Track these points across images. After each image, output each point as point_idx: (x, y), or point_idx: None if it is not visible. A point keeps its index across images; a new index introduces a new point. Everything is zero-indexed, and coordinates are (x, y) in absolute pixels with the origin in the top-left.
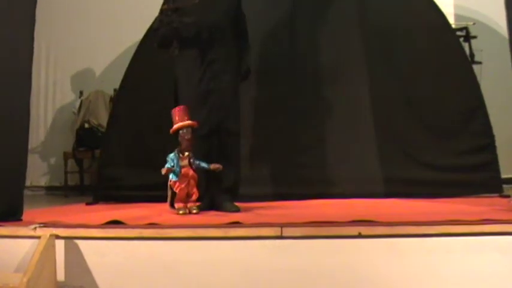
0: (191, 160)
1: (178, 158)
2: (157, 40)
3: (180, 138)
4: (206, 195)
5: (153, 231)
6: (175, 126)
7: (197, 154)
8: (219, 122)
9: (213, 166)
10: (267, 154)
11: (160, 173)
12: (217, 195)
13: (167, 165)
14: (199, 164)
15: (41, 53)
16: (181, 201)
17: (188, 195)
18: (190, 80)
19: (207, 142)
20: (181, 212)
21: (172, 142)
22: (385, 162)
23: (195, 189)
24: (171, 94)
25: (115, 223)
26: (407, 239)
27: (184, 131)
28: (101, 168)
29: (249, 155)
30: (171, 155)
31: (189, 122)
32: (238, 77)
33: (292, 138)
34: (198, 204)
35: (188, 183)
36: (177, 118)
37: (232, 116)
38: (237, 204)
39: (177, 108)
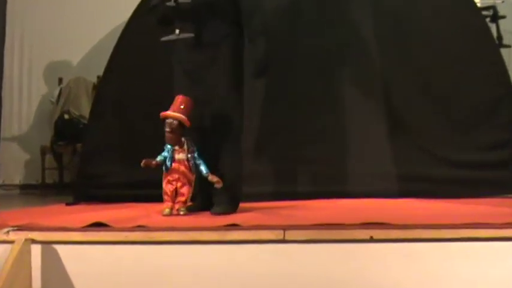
0: (190, 155)
1: (173, 151)
2: (157, 16)
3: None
4: (200, 195)
5: (141, 234)
6: (161, 114)
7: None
8: (209, 116)
9: (211, 177)
10: (267, 148)
11: (149, 167)
12: (215, 194)
13: (159, 157)
14: (199, 164)
15: (14, 38)
16: (167, 199)
17: (177, 194)
18: (180, 68)
19: (200, 136)
20: (166, 212)
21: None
22: (398, 157)
23: (184, 189)
24: (162, 80)
25: (98, 226)
26: (425, 243)
27: (168, 121)
28: (82, 164)
29: (248, 149)
30: (169, 146)
31: (175, 114)
32: (237, 66)
33: (295, 130)
34: (187, 205)
35: (178, 180)
36: (172, 104)
37: (226, 108)
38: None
39: (180, 96)
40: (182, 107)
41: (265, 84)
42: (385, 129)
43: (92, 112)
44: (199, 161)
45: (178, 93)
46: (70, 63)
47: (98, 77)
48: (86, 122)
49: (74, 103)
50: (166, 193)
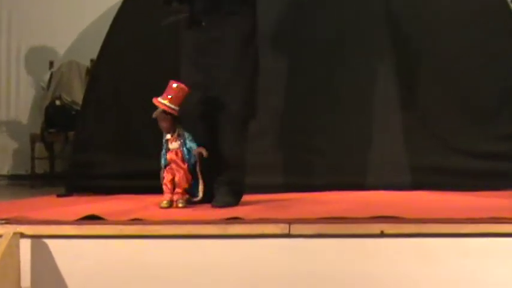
0: (180, 142)
1: (167, 141)
2: None
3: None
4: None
5: (137, 228)
6: (153, 100)
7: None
8: (216, 102)
9: (197, 150)
10: (273, 137)
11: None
12: (215, 187)
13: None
14: (190, 147)
15: (0, 20)
16: (166, 190)
17: (175, 184)
18: (185, 51)
19: (202, 125)
20: (163, 204)
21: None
22: (412, 147)
23: (178, 178)
24: (161, 64)
25: (92, 219)
26: (440, 239)
27: (158, 111)
28: (75, 154)
29: (253, 137)
30: (166, 136)
31: (160, 102)
32: (245, 47)
33: (303, 119)
34: (186, 196)
35: (172, 170)
36: (165, 90)
37: (235, 94)
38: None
39: (172, 82)
40: (170, 96)
41: (277, 68)
42: (399, 118)
43: (85, 98)
44: (189, 145)
45: (183, 78)
46: (62, 46)
47: (92, 60)
48: (78, 108)
49: (66, 88)
50: (165, 184)
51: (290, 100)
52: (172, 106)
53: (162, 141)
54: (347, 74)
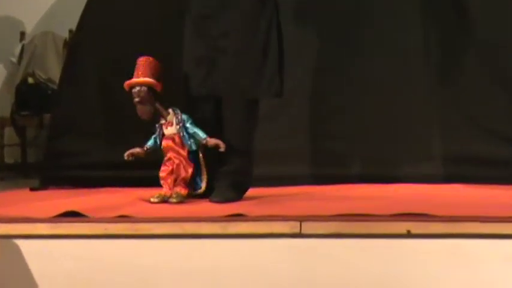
0: (177, 126)
1: (161, 126)
2: None
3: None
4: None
5: (125, 226)
6: (125, 83)
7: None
8: (223, 77)
9: (211, 141)
10: (287, 120)
11: (137, 145)
12: (217, 177)
13: (149, 141)
14: (194, 132)
15: None
16: (163, 184)
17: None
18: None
19: (207, 105)
20: (153, 198)
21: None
22: (445, 134)
23: (179, 167)
24: (151, 36)
25: (71, 215)
26: (475, 240)
27: (135, 90)
28: (51, 140)
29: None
30: (161, 121)
31: (141, 79)
32: (257, 11)
33: (319, 99)
34: (183, 191)
35: (170, 160)
36: (135, 70)
37: (244, 66)
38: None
39: (141, 58)
40: (145, 67)
41: (296, 41)
42: (429, 99)
43: (62, 75)
44: (193, 130)
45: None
46: (35, 14)
47: (71, 31)
48: (55, 87)
49: (40, 64)
50: (162, 177)
51: (307, 78)
52: (155, 81)
53: (152, 125)
54: (376, 51)
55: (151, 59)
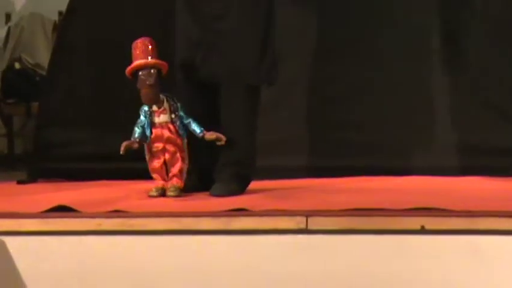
0: (173, 115)
1: (151, 113)
2: None
3: (138, 85)
4: (194, 169)
5: (119, 221)
6: (129, 67)
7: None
8: (220, 62)
9: (209, 134)
10: (292, 108)
11: (131, 150)
12: (215, 169)
13: (137, 132)
14: (189, 124)
15: None
16: (157, 177)
17: (168, 167)
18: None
19: (198, 94)
20: (151, 192)
21: None
22: (461, 121)
23: (174, 159)
24: (146, 19)
25: (61, 210)
26: (494, 236)
27: (145, 72)
28: (40, 129)
29: (266, 108)
30: (145, 107)
31: (153, 60)
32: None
33: (328, 84)
34: (180, 183)
35: (164, 151)
36: (137, 52)
37: (244, 51)
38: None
39: (138, 40)
40: (150, 48)
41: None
42: (446, 83)
43: (52, 60)
44: (187, 120)
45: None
46: None
47: (60, 13)
48: (43, 73)
49: (28, 48)
50: (155, 169)
51: (313, 62)
52: (161, 62)
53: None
54: (387, 32)
55: (151, 39)
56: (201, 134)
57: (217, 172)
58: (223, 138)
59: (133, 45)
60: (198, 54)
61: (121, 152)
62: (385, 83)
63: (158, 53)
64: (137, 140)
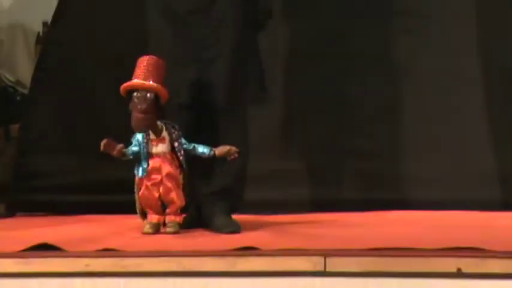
0: (176, 144)
1: (148, 141)
2: None
3: (130, 106)
4: (191, 202)
5: (110, 262)
6: (124, 84)
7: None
8: (212, 93)
9: (220, 150)
10: (299, 133)
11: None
12: (207, 201)
13: (130, 148)
14: (194, 149)
15: None
16: (152, 212)
17: (165, 203)
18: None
19: (189, 116)
20: (146, 229)
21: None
22: (502, 150)
23: (173, 194)
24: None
25: (44, 249)
26: None
27: (140, 95)
28: (20, 156)
29: (269, 134)
30: (138, 136)
31: (151, 84)
32: (245, 23)
33: (342, 107)
34: (178, 218)
35: (160, 184)
36: (139, 70)
37: (234, 83)
38: (242, 217)
39: (144, 57)
40: (154, 71)
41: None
42: (481, 107)
43: (34, 77)
44: (190, 146)
45: (157, 51)
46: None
47: (45, 24)
48: (25, 92)
49: (7, 63)
50: (149, 204)
51: (318, 79)
52: (163, 88)
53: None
54: (412, 43)
55: (160, 60)
56: (212, 154)
57: (211, 204)
58: (235, 148)
59: (138, 60)
60: (189, 74)
61: (101, 147)
62: (411, 106)
63: (162, 77)
64: (120, 147)
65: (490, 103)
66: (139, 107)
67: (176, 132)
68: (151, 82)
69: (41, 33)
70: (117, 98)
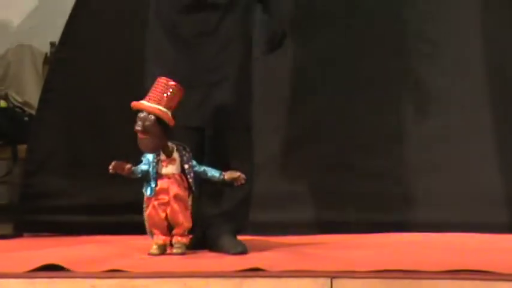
0: (186, 166)
1: (158, 161)
2: None
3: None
4: (197, 223)
5: (116, 282)
6: (132, 103)
7: None
8: (219, 115)
9: (229, 175)
10: (304, 155)
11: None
12: (212, 223)
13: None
14: (204, 172)
15: None
16: (156, 232)
17: (172, 224)
18: (170, 36)
19: (195, 139)
20: (152, 250)
21: None
22: (509, 172)
23: (180, 216)
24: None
25: (50, 269)
26: None
27: (142, 115)
28: (27, 177)
29: (274, 156)
30: (148, 156)
31: (150, 106)
32: (249, 45)
33: (348, 127)
34: (185, 239)
35: (168, 204)
36: (153, 91)
37: (241, 105)
38: (248, 239)
39: (162, 79)
40: (166, 95)
41: (301, 59)
42: (488, 126)
43: (42, 98)
44: (201, 169)
45: (164, 73)
46: (8, 24)
47: (52, 44)
48: (33, 112)
49: (15, 84)
50: (155, 224)
51: (323, 100)
52: (166, 113)
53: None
54: (411, 63)
55: (174, 84)
56: (221, 178)
57: (216, 224)
58: (243, 176)
59: (156, 80)
60: (195, 98)
61: (110, 169)
62: (411, 127)
63: (177, 101)
64: (129, 166)
65: (497, 124)
66: (137, 127)
67: (187, 154)
68: (155, 105)
69: (48, 54)
70: (124, 118)
